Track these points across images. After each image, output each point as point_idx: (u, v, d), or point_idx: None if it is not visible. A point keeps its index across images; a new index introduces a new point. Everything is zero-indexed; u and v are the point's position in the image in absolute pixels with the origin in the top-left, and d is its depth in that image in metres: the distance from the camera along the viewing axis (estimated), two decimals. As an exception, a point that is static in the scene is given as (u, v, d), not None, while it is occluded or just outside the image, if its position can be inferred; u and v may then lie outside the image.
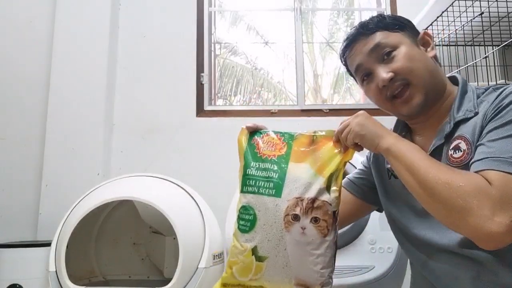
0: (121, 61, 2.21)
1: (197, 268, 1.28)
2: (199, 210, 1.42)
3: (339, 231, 0.83)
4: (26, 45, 2.15)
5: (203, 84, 2.23)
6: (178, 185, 1.49)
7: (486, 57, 1.53)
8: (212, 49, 2.42)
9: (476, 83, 1.59)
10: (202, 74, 2.24)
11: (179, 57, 2.23)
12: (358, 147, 0.79)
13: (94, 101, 2.05)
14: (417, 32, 0.84)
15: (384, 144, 0.74)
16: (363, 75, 0.84)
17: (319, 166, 0.78)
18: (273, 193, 0.77)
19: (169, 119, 2.16)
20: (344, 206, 0.96)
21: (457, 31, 1.69)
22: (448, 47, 1.85)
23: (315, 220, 0.74)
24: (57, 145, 2.00)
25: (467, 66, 1.59)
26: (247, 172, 0.81)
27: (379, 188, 0.92)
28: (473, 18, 1.55)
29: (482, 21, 1.52)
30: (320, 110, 2.24)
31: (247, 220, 0.78)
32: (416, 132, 0.87)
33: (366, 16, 2.87)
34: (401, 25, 0.82)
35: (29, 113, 2.09)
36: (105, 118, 2.06)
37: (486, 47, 1.78)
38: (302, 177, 0.77)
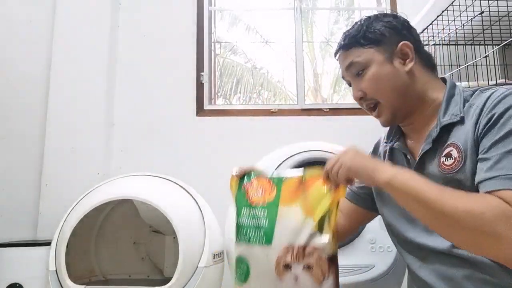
0: (121, 61, 2.20)
1: (197, 267, 1.28)
2: (199, 210, 1.42)
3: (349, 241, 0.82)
4: (26, 45, 2.15)
5: (203, 83, 2.23)
6: (178, 185, 1.49)
7: (486, 56, 1.52)
8: (212, 48, 2.42)
9: (476, 82, 1.59)
10: (202, 73, 2.23)
11: (179, 57, 2.23)
12: (350, 181, 0.77)
13: (94, 101, 2.05)
14: (397, 42, 0.81)
15: (383, 177, 0.70)
16: (347, 83, 0.89)
17: (309, 207, 0.75)
18: (264, 241, 0.75)
19: (169, 119, 2.16)
20: (349, 216, 0.98)
21: (457, 30, 1.68)
22: (448, 46, 1.85)
23: (308, 267, 0.71)
24: (57, 144, 2.00)
25: (467, 65, 1.59)
26: (239, 222, 0.81)
27: (375, 193, 0.93)
28: (473, 17, 1.55)
29: (482, 20, 1.51)
30: (320, 109, 2.23)
31: (241, 270, 0.78)
32: (408, 135, 0.87)
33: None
34: (376, 40, 0.81)
35: (29, 113, 2.09)
36: (105, 118, 2.06)
37: (486, 46, 1.78)
38: (292, 222, 0.75)
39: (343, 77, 0.90)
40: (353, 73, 0.84)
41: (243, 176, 0.85)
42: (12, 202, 2.00)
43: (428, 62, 0.85)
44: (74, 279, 1.27)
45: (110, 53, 2.13)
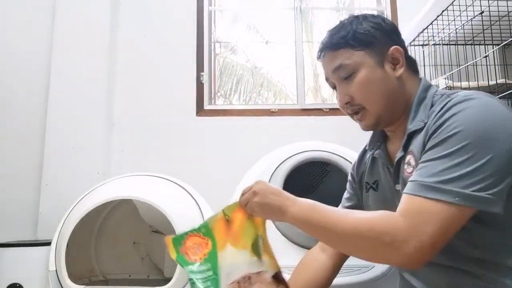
0: (121, 61, 2.20)
1: (197, 267, 1.27)
2: (199, 209, 1.42)
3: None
4: (26, 45, 2.15)
5: (203, 83, 2.23)
6: (178, 184, 1.49)
7: (486, 56, 1.52)
8: (212, 48, 2.42)
9: (476, 82, 1.59)
10: (202, 73, 2.23)
11: (179, 56, 2.23)
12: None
13: (94, 100, 2.05)
14: (388, 46, 0.78)
15: (288, 216, 0.74)
16: (331, 86, 0.85)
17: (240, 241, 0.77)
18: None
19: (169, 118, 2.16)
20: None
21: (457, 30, 1.69)
22: (448, 46, 1.85)
23: None
24: (57, 144, 2.00)
25: (467, 65, 1.59)
26: (190, 278, 0.82)
27: (364, 200, 0.94)
28: (473, 17, 1.55)
29: (482, 20, 1.51)
30: (320, 109, 2.24)
31: None
32: (391, 140, 0.86)
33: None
34: (368, 42, 0.77)
35: (29, 112, 2.09)
36: (105, 118, 2.06)
37: (486, 46, 1.78)
38: (231, 261, 0.77)
39: (326, 79, 0.85)
40: (341, 76, 0.79)
41: (175, 239, 0.84)
42: (12, 202, 2.01)
43: (414, 68, 0.83)
44: (74, 279, 1.27)
45: (110, 53, 2.14)
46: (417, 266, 0.64)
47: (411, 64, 0.82)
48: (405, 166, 0.74)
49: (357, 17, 0.82)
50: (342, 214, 0.72)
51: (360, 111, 0.80)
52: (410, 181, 0.67)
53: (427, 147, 0.68)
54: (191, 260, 0.80)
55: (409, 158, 0.74)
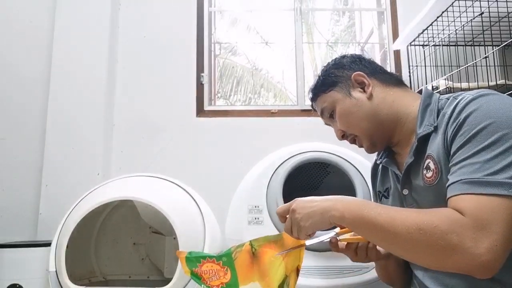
0: (121, 61, 2.20)
1: (197, 268, 1.27)
2: (199, 210, 1.42)
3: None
4: (26, 45, 2.15)
5: (203, 84, 2.23)
6: (178, 185, 1.49)
7: (486, 57, 1.52)
8: (212, 49, 2.42)
9: (476, 83, 1.59)
10: (202, 74, 2.23)
11: (179, 57, 2.23)
12: (313, 235, 0.78)
13: (94, 101, 2.05)
14: (350, 75, 0.87)
15: (336, 215, 0.70)
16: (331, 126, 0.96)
17: (267, 280, 0.75)
18: None
19: (169, 119, 2.16)
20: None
21: (457, 31, 1.69)
22: (448, 47, 1.85)
23: None
24: (57, 145, 2.00)
25: (467, 66, 1.59)
26: None
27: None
28: (473, 18, 1.55)
29: (482, 21, 1.52)
30: (320, 110, 2.23)
31: None
32: (396, 151, 0.88)
33: (366, 16, 2.86)
34: (332, 82, 0.89)
35: (29, 113, 2.09)
36: (105, 118, 2.06)
37: (486, 47, 1.78)
38: None
39: (326, 124, 0.97)
40: (327, 117, 0.92)
41: (189, 259, 0.81)
42: (12, 202, 2.00)
43: (390, 81, 0.87)
44: (74, 279, 1.27)
45: (110, 53, 2.13)
46: (490, 272, 0.58)
47: (386, 79, 0.87)
48: (424, 172, 0.74)
49: (324, 67, 0.95)
50: (399, 211, 0.66)
51: (356, 139, 0.89)
52: (452, 183, 0.64)
53: (454, 149, 0.67)
54: (207, 284, 0.78)
55: (428, 162, 0.74)
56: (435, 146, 0.72)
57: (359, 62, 0.90)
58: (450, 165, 0.67)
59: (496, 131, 0.62)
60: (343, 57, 0.93)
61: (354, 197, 0.74)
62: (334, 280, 1.27)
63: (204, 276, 0.79)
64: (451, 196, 0.64)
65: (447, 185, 0.66)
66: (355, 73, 0.87)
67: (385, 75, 0.88)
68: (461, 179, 0.62)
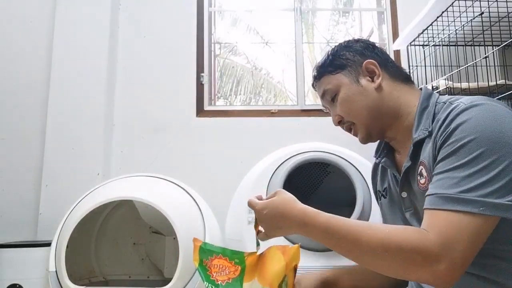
0: (121, 61, 2.20)
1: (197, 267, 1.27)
2: (199, 210, 1.42)
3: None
4: (26, 46, 2.15)
5: (203, 84, 2.23)
6: (178, 185, 1.49)
7: (486, 57, 1.52)
8: (212, 49, 2.42)
9: (476, 83, 1.59)
10: (202, 74, 2.23)
11: (179, 57, 2.23)
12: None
13: (94, 101, 2.05)
14: (362, 62, 0.84)
15: (294, 231, 0.74)
16: (327, 111, 0.93)
17: (267, 277, 0.76)
18: None
19: (169, 119, 2.16)
20: None
21: (457, 31, 1.69)
22: (448, 47, 1.85)
23: None
24: (57, 145, 2.00)
25: (467, 66, 1.59)
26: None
27: (380, 209, 0.95)
28: (473, 18, 1.55)
29: (482, 21, 1.52)
30: (320, 110, 2.21)
31: None
32: (396, 149, 0.87)
33: (366, 16, 2.86)
34: (341, 64, 0.85)
35: (29, 113, 2.09)
36: (105, 118, 2.06)
37: (486, 47, 1.78)
38: None
39: (323, 106, 0.93)
40: (328, 100, 0.88)
41: (203, 250, 0.82)
42: (12, 202, 2.00)
43: (399, 76, 0.85)
44: (74, 279, 1.27)
45: (110, 53, 2.13)
46: (449, 285, 0.61)
47: (395, 73, 0.85)
48: (418, 177, 0.74)
49: (334, 47, 0.90)
50: (365, 229, 0.67)
51: (352, 127, 0.87)
52: (428, 195, 0.66)
53: (439, 158, 0.67)
54: (213, 277, 0.79)
55: (421, 169, 0.73)
56: (427, 152, 0.72)
57: (372, 49, 0.87)
58: (433, 173, 0.68)
59: (477, 148, 0.62)
60: (357, 41, 0.89)
61: (318, 220, 0.71)
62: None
63: (213, 269, 0.80)
64: (426, 208, 0.65)
65: (425, 194, 0.67)
66: (367, 60, 0.83)
67: (395, 69, 0.86)
68: (437, 193, 0.64)
